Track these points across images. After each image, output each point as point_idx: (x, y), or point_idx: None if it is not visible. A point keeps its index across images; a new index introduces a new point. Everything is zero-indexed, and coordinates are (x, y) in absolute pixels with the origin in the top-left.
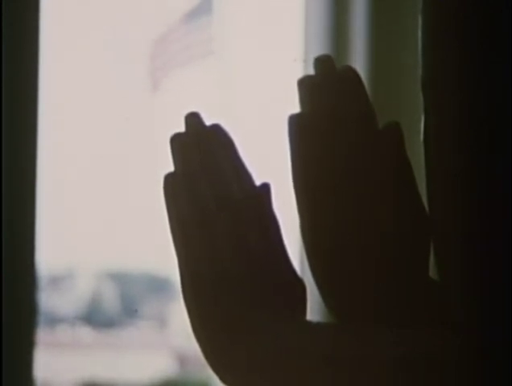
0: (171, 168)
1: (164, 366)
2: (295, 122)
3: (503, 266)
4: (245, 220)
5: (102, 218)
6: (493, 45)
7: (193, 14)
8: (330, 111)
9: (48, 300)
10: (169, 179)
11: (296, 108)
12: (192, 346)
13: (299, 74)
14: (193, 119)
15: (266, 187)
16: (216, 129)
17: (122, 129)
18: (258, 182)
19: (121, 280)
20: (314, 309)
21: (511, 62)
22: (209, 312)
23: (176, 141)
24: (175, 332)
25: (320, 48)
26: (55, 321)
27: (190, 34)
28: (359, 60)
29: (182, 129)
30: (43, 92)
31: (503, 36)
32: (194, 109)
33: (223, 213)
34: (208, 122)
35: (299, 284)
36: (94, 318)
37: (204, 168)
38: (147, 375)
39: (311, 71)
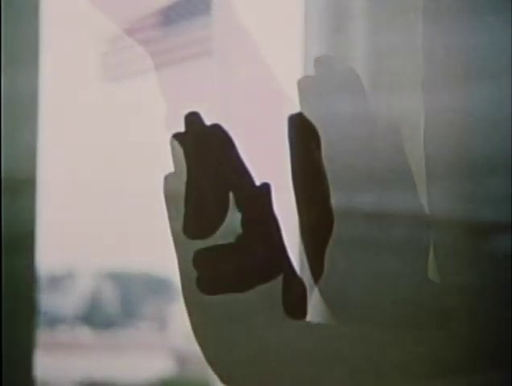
0: (171, 168)
1: (164, 366)
2: (295, 122)
3: (503, 266)
4: (245, 220)
5: (102, 218)
6: (493, 44)
7: (191, 12)
8: (329, 111)
9: (48, 300)
10: (169, 179)
11: (296, 108)
12: (192, 347)
13: (299, 74)
14: (193, 119)
15: (266, 187)
16: (216, 128)
17: (122, 128)
18: (258, 182)
19: (121, 280)
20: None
21: (511, 61)
22: (209, 313)
23: (176, 140)
24: (174, 333)
25: (319, 48)
26: (54, 321)
27: (188, 33)
28: (359, 60)
29: (182, 128)
30: (42, 91)
31: (503, 36)
32: (194, 109)
33: (222, 213)
34: (207, 122)
35: (299, 284)
36: (94, 318)
37: (204, 168)
38: (147, 376)
39: (311, 72)
